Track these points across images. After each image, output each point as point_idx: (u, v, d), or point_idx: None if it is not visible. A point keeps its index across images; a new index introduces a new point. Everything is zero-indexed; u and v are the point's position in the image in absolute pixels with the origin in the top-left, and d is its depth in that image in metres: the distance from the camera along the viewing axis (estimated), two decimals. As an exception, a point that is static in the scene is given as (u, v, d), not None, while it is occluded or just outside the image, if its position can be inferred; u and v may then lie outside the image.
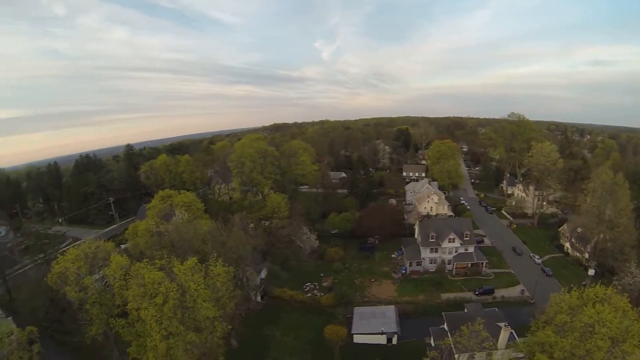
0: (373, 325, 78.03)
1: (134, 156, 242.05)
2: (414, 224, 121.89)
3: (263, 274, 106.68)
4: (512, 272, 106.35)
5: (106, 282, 68.58)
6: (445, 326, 68.53)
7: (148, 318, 52.23)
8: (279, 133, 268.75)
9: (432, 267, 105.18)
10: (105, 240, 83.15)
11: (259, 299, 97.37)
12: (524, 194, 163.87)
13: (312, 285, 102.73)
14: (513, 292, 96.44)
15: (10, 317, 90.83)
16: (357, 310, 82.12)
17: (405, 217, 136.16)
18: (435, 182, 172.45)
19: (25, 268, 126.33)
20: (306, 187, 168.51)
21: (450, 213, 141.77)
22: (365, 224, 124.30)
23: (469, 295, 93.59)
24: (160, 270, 57.02)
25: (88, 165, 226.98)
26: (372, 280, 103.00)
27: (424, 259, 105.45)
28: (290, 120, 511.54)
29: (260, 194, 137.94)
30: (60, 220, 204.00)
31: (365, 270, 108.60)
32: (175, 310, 52.65)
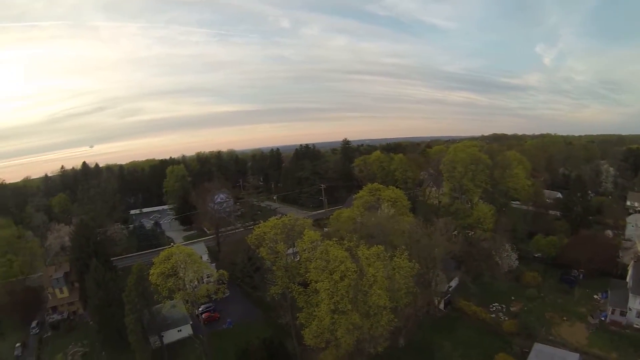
0: (549, 369, 68.74)
1: (350, 150, 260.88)
2: (628, 265, 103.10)
3: (453, 283, 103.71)
4: None
5: (297, 253, 75.78)
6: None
7: (322, 290, 56.20)
8: (497, 143, 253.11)
9: (639, 323, 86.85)
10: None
11: (442, 306, 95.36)
12: None
13: (499, 307, 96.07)
14: None
15: (214, 264, 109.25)
16: (537, 347, 73.01)
17: (620, 255, 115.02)
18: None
19: (236, 230, 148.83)
20: (517, 202, 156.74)
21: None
22: (571, 253, 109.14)
23: (675, 372, 72.08)
24: (346, 251, 60.24)
25: (306, 154, 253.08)
26: (564, 318, 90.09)
27: (630, 309, 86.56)
28: (509, 132, 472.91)
29: (469, 202, 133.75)
30: (274, 197, 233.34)
31: (559, 305, 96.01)
32: (349, 290, 55.04)
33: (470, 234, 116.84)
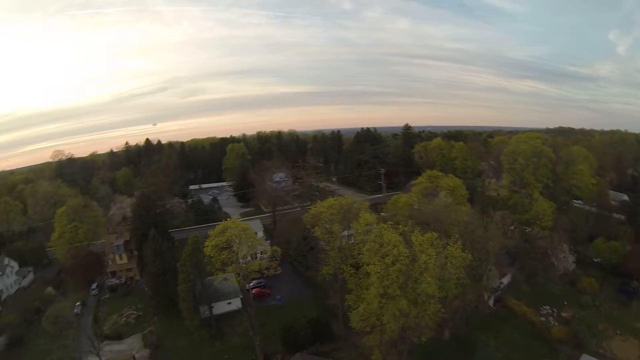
0: (593, 383, 65.32)
1: (411, 136, 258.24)
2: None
3: (505, 280, 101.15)
4: None
5: (351, 236, 76.15)
6: None
7: (373, 273, 56.35)
8: (562, 137, 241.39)
9: (698, 347, 79.31)
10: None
11: (491, 302, 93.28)
12: None
13: (550, 311, 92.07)
14: None
15: (269, 242, 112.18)
16: (585, 358, 69.79)
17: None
18: None
19: (293, 210, 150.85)
20: (579, 201, 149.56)
21: None
22: (634, 261, 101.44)
23: None
24: (400, 236, 59.50)
25: (367, 137, 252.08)
26: (618, 332, 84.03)
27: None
28: (577, 125, 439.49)
29: (528, 197, 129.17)
30: (333, 179, 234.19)
31: (614, 317, 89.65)
32: (399, 275, 54.69)
33: (527, 230, 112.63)
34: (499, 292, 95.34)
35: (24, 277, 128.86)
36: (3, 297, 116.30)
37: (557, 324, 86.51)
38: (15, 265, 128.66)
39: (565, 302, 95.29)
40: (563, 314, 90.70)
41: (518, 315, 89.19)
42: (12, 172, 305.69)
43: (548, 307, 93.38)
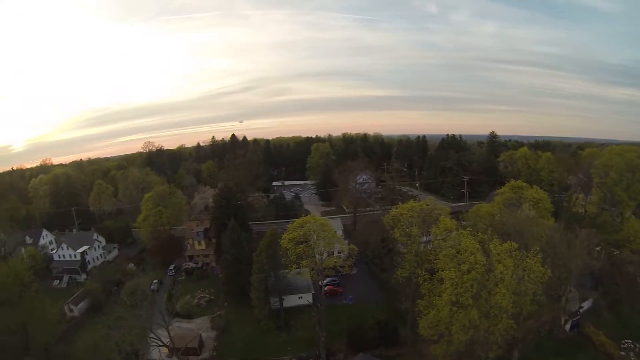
0: None
1: (496, 145, 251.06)
2: None
3: (586, 305, 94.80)
4: None
5: (429, 242, 75.92)
6: None
7: (447, 279, 56.08)
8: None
9: None
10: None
11: (568, 327, 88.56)
12: None
13: (632, 345, 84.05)
14: None
15: (347, 241, 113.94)
16: None
17: None
18: None
19: (374, 212, 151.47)
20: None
21: None
22: None
23: None
24: (479, 244, 58.75)
25: (452, 143, 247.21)
26: None
27: None
28: None
29: (619, 216, 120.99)
30: (416, 184, 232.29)
31: None
32: (474, 284, 53.98)
33: (615, 253, 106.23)
34: (578, 317, 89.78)
35: (109, 252, 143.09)
36: (89, 267, 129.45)
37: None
38: (102, 240, 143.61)
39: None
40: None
41: (596, 346, 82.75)
42: (107, 159, 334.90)
43: (630, 341, 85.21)
